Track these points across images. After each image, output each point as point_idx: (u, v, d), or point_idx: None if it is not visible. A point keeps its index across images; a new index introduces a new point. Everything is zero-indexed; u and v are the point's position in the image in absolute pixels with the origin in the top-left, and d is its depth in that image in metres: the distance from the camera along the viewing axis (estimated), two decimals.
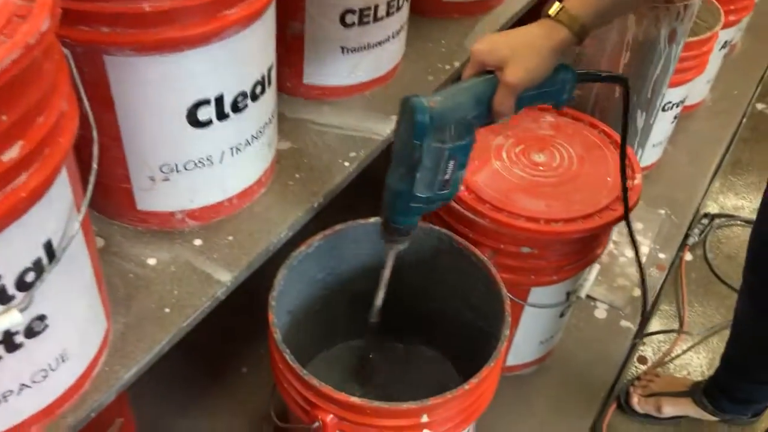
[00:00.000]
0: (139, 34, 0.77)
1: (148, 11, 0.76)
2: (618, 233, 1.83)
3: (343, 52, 1.19)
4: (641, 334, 1.64)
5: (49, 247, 0.67)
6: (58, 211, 0.68)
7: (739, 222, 2.09)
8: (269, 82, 0.97)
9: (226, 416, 1.38)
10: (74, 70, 0.70)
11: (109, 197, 0.97)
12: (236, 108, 0.92)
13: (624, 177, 1.07)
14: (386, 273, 1.03)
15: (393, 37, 1.24)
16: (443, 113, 0.81)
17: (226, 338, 1.50)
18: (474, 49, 0.84)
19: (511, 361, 1.44)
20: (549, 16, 0.83)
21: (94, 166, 0.69)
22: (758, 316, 1.29)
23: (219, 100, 0.88)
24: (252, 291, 1.04)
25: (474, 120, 0.84)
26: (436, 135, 0.81)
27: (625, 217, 1.14)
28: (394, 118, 1.23)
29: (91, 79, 0.82)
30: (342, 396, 0.90)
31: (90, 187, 0.70)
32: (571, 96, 0.90)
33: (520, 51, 0.82)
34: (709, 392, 1.49)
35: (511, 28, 0.86)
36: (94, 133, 0.70)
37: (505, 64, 0.82)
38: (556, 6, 0.82)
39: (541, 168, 1.23)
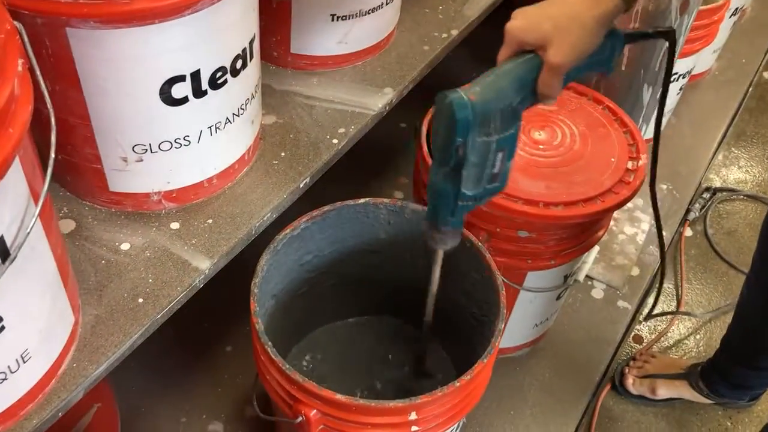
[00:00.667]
0: (104, 5, 0.70)
1: None
2: (618, 210, 1.77)
3: (332, 19, 1.11)
4: (647, 315, 1.60)
5: (1, 245, 0.61)
6: (11, 204, 0.61)
7: (741, 196, 2.04)
8: (251, 56, 0.89)
9: (209, 397, 1.35)
10: (28, 48, 0.63)
11: (80, 177, 0.91)
12: (215, 84, 0.85)
13: (656, 152, 0.98)
14: (436, 271, 0.98)
15: (387, 3, 1.16)
16: (486, 105, 0.73)
17: (210, 315, 1.45)
18: (509, 27, 0.75)
19: (504, 343, 1.40)
20: None
21: (52, 155, 0.63)
22: (763, 304, 1.25)
23: (195, 76, 0.81)
24: (241, 264, 0.98)
25: (519, 106, 0.77)
26: (481, 129, 0.74)
27: (654, 208, 1.06)
28: (388, 90, 1.17)
29: (54, 55, 0.75)
30: (326, 392, 0.86)
31: (48, 178, 0.63)
32: (617, 61, 0.82)
33: (564, 25, 0.72)
34: (706, 376, 1.46)
35: None
36: (52, 120, 0.63)
37: (548, 42, 0.73)
38: None
39: (541, 147, 1.17)
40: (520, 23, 0.75)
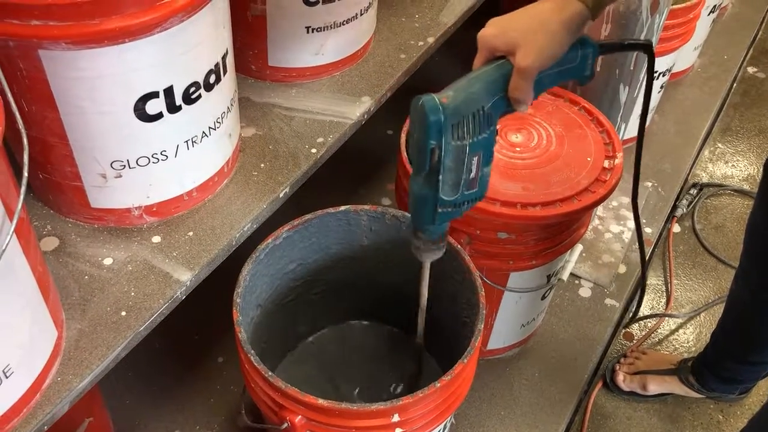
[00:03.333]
0: (74, 27, 0.72)
1: (80, 1, 0.70)
2: (603, 208, 1.79)
3: (308, 31, 1.13)
4: (632, 318, 1.61)
5: None
6: None
7: (728, 191, 2.05)
8: (225, 70, 0.91)
9: (202, 408, 1.36)
10: None
11: (61, 195, 0.93)
12: (189, 99, 0.86)
13: (638, 159, 1.00)
14: (424, 285, 0.99)
15: (361, 14, 1.18)
16: (457, 108, 0.75)
17: (202, 327, 1.47)
18: (481, 35, 0.78)
19: (492, 345, 1.41)
20: None
21: (25, 174, 0.65)
22: (753, 300, 1.26)
23: (168, 92, 0.83)
24: (230, 275, 0.99)
25: (492, 110, 0.78)
26: (454, 132, 0.76)
27: (635, 213, 1.07)
28: (365, 99, 1.19)
29: (28, 77, 0.77)
30: (309, 398, 0.87)
31: (21, 195, 0.65)
32: (593, 71, 0.83)
33: (531, 31, 0.75)
34: (696, 370, 1.47)
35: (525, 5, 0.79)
36: (24, 140, 0.65)
37: (517, 47, 0.75)
38: None
39: (518, 149, 1.18)
40: (491, 30, 0.78)
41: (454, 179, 0.80)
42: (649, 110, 1.95)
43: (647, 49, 0.89)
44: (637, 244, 1.72)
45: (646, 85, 0.92)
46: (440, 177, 0.78)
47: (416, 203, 0.83)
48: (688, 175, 2.04)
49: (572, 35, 0.77)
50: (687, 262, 1.84)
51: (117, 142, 0.85)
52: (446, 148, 0.76)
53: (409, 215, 0.88)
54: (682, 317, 1.70)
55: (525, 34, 0.75)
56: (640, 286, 1.23)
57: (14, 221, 0.66)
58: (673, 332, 1.69)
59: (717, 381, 1.45)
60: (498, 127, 1.21)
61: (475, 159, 0.80)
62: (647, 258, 1.77)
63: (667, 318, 1.70)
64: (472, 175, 0.81)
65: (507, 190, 1.11)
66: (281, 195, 1.03)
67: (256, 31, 1.12)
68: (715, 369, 1.44)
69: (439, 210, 0.82)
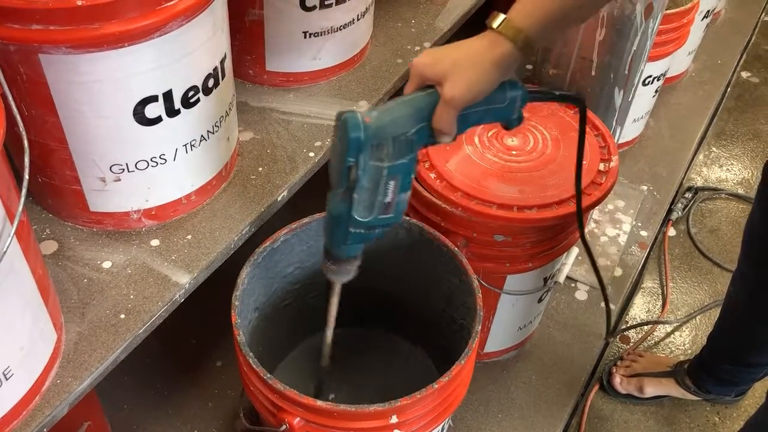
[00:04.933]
0: (74, 31, 0.72)
1: (81, 6, 0.71)
2: (599, 212, 1.80)
3: (305, 36, 1.14)
4: (613, 332, 1.61)
5: None
6: None
7: (723, 195, 2.07)
8: (223, 74, 0.92)
9: (201, 412, 1.36)
10: (0, 75, 0.65)
11: (61, 199, 0.93)
12: (187, 103, 0.87)
13: (579, 203, 1.02)
14: (333, 309, 0.96)
15: (358, 19, 1.19)
16: (380, 129, 0.75)
17: (200, 331, 1.47)
18: (414, 63, 0.79)
19: (489, 348, 1.42)
20: (492, 28, 0.77)
21: (26, 176, 0.65)
22: (750, 302, 1.27)
23: (167, 96, 0.84)
24: (229, 279, 0.99)
25: (415, 137, 0.78)
26: (374, 153, 0.76)
27: (581, 236, 1.08)
28: (362, 104, 1.20)
29: (28, 81, 0.77)
30: (307, 400, 0.87)
31: (22, 198, 0.66)
32: (521, 116, 0.84)
33: (462, 64, 0.76)
34: (693, 373, 1.48)
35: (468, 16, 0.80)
36: (25, 143, 0.66)
37: (445, 78, 0.76)
38: (500, 18, 0.76)
39: (514, 152, 1.19)
40: (425, 59, 0.79)
41: (368, 200, 0.79)
42: (644, 115, 1.97)
43: (579, 102, 0.90)
44: (633, 246, 1.74)
45: (579, 133, 0.94)
46: (355, 195, 0.78)
47: (331, 220, 0.82)
48: (683, 178, 2.05)
49: (502, 73, 0.78)
50: (682, 266, 1.85)
51: (116, 145, 0.86)
52: (364, 168, 0.76)
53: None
54: (676, 322, 1.71)
55: (455, 67, 0.76)
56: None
57: (15, 224, 0.66)
58: (669, 335, 1.70)
59: (713, 383, 1.46)
60: (494, 130, 1.23)
61: (392, 183, 0.79)
62: (643, 263, 1.78)
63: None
64: (388, 199, 0.80)
65: (503, 192, 1.12)
66: (279, 198, 1.04)
67: (254, 35, 1.13)
68: (712, 371, 1.45)
69: (351, 230, 0.81)
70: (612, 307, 1.62)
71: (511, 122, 0.84)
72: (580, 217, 1.05)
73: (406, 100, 0.79)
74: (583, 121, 0.93)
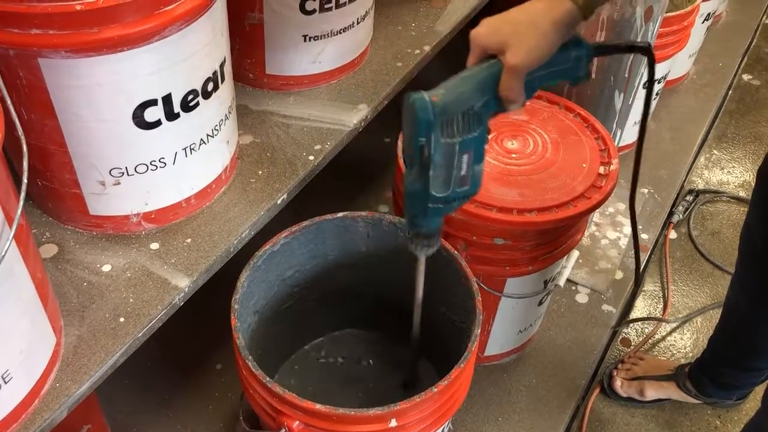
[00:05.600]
0: (73, 35, 0.72)
1: (80, 10, 0.71)
2: (600, 215, 1.80)
3: (305, 40, 1.14)
4: (624, 321, 1.61)
5: None
6: None
7: (724, 197, 2.06)
8: (222, 78, 0.92)
9: (201, 415, 1.36)
10: None
11: (60, 203, 0.94)
12: (187, 107, 0.87)
13: (638, 163, 0.97)
14: (420, 280, 1.00)
15: (358, 22, 1.19)
16: (447, 106, 0.76)
17: (200, 334, 1.47)
18: (473, 34, 0.79)
19: (489, 351, 1.41)
20: None
21: (24, 180, 0.65)
22: (750, 306, 1.27)
23: (167, 100, 0.84)
24: (229, 282, 1.00)
25: (482, 110, 0.79)
26: (444, 130, 0.77)
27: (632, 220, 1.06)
28: (362, 107, 1.20)
29: (28, 85, 0.77)
30: (306, 403, 0.87)
31: (21, 202, 0.66)
32: (588, 72, 0.83)
33: (521, 30, 0.76)
34: (694, 376, 1.47)
35: (512, 8, 0.79)
36: (24, 148, 0.66)
37: (507, 46, 0.76)
38: None
39: (514, 156, 1.19)
40: (483, 30, 0.78)
41: (444, 176, 0.81)
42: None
43: (646, 51, 0.88)
44: (630, 251, 1.73)
45: (647, 88, 0.91)
46: (431, 173, 0.79)
47: (409, 199, 0.84)
48: (684, 181, 2.05)
49: (562, 35, 0.77)
50: (683, 268, 1.85)
51: (116, 149, 0.86)
52: (436, 146, 0.77)
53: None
54: (677, 321, 1.71)
55: (515, 34, 0.76)
56: (632, 291, 1.23)
57: (14, 228, 0.66)
58: (670, 338, 1.69)
59: (714, 387, 1.46)
60: (493, 134, 1.23)
61: (465, 157, 0.81)
62: (644, 265, 1.78)
63: (664, 323, 1.71)
64: (463, 172, 0.82)
65: (503, 196, 1.12)
66: (279, 202, 1.04)
67: (254, 39, 1.13)
68: (712, 375, 1.44)
69: (430, 205, 0.83)
70: (613, 310, 1.62)
71: (577, 79, 0.83)
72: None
73: (470, 75, 0.79)
74: (652, 72, 0.89)
